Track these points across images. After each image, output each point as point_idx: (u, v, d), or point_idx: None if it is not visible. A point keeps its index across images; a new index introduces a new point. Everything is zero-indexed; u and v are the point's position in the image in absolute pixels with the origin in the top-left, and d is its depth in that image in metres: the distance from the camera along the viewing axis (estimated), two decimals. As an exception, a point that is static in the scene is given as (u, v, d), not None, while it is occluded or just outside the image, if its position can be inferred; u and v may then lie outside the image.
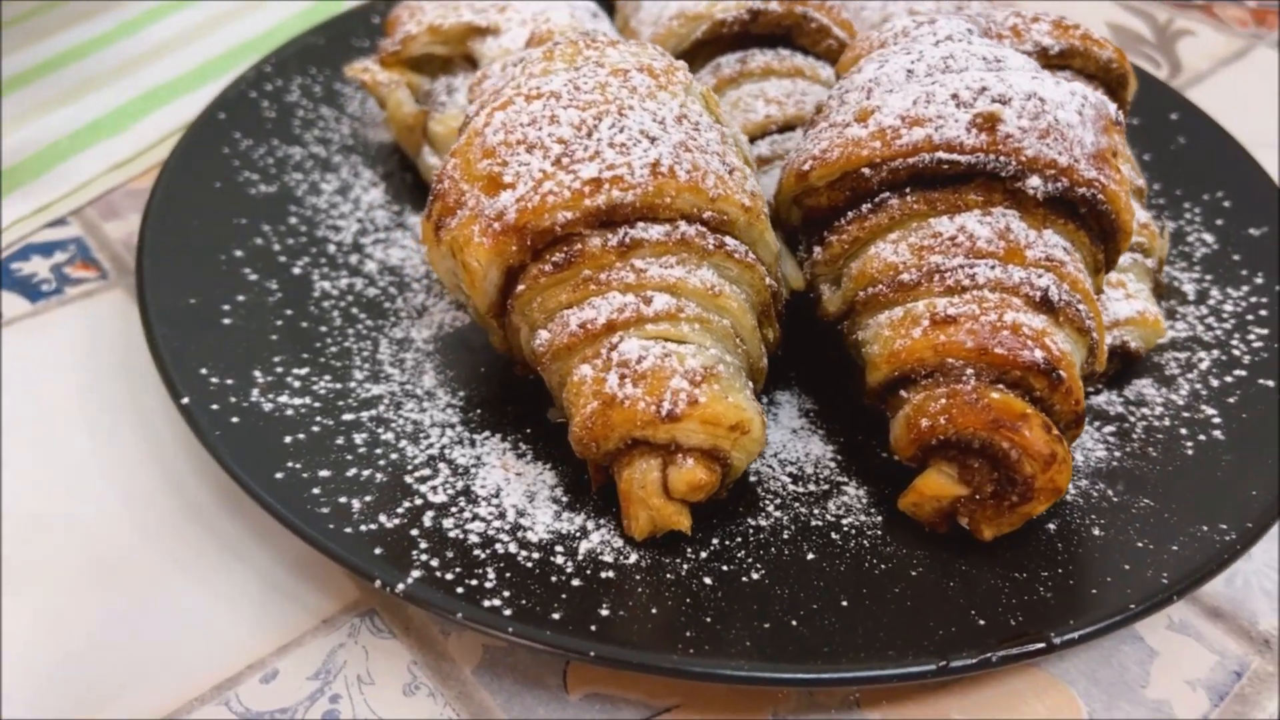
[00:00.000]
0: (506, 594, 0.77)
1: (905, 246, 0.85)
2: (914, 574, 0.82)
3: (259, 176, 1.16)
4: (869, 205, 0.86)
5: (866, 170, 0.85)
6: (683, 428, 0.78)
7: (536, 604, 0.77)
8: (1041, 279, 0.82)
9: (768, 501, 0.88)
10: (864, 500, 0.89)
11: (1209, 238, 1.14)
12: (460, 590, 0.77)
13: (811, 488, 0.90)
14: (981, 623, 0.77)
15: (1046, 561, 0.83)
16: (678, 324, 0.81)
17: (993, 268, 0.82)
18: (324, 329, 1.00)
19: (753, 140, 1.07)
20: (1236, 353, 1.01)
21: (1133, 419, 0.96)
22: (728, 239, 0.83)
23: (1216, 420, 0.94)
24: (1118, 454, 0.92)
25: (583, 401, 0.80)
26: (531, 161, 0.81)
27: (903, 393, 0.84)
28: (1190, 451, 0.92)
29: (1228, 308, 1.06)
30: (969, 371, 0.81)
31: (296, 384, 0.94)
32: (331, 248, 1.10)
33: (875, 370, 0.85)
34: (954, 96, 0.83)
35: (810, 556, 0.83)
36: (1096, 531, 0.85)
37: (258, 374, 0.93)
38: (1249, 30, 1.62)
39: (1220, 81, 1.52)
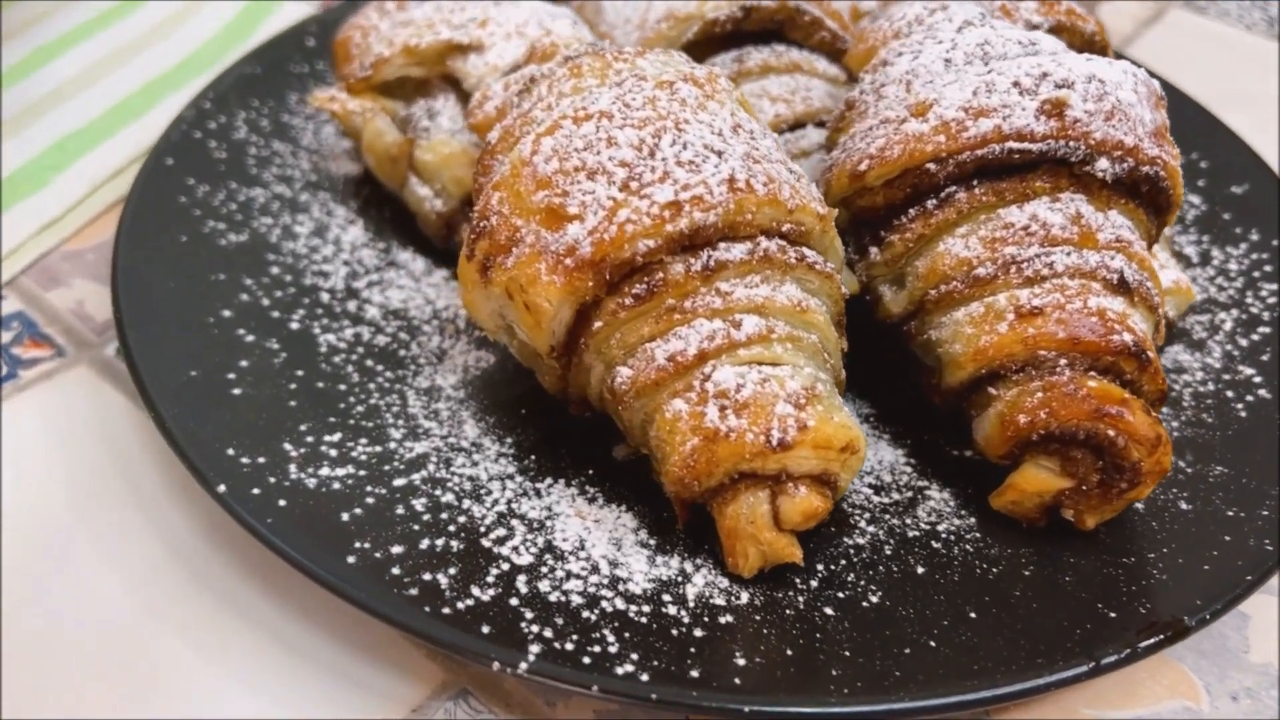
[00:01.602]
0: (634, 657, 0.72)
1: (976, 240, 0.83)
2: (1027, 574, 0.80)
3: (225, 225, 1.05)
4: (934, 201, 0.83)
5: (932, 165, 0.82)
6: (794, 455, 0.74)
7: (669, 663, 0.71)
8: (1115, 260, 0.82)
9: (857, 517, 0.85)
10: (951, 503, 0.87)
11: (1195, 199, 1.16)
12: (587, 660, 0.71)
13: (895, 496, 0.87)
14: (1113, 615, 0.76)
15: (1149, 543, 0.82)
16: (770, 345, 0.76)
17: (1069, 254, 0.81)
18: (343, 387, 0.92)
19: (764, 141, 1.03)
20: (1254, 310, 1.03)
21: (1178, 387, 0.97)
22: (806, 250, 0.79)
23: (1258, 380, 0.96)
24: (1175, 424, 0.93)
25: (680, 439, 0.75)
26: (596, 189, 0.76)
27: (990, 389, 0.82)
28: (1243, 414, 0.93)
29: (1232, 266, 1.08)
30: (1062, 362, 0.79)
31: (333, 453, 0.85)
32: (325, 296, 1.01)
33: (958, 369, 0.83)
34: (1016, 84, 0.81)
35: (920, 570, 0.81)
36: (1184, 505, 0.85)
37: (289, 447, 0.84)
38: (1159, -8, 1.68)
39: (1146, 43, 1.56)
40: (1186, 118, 1.26)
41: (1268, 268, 1.07)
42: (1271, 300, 1.04)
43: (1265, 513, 0.83)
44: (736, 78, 1.06)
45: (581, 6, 1.23)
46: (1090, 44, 1.06)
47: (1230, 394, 0.95)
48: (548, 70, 0.89)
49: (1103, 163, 0.80)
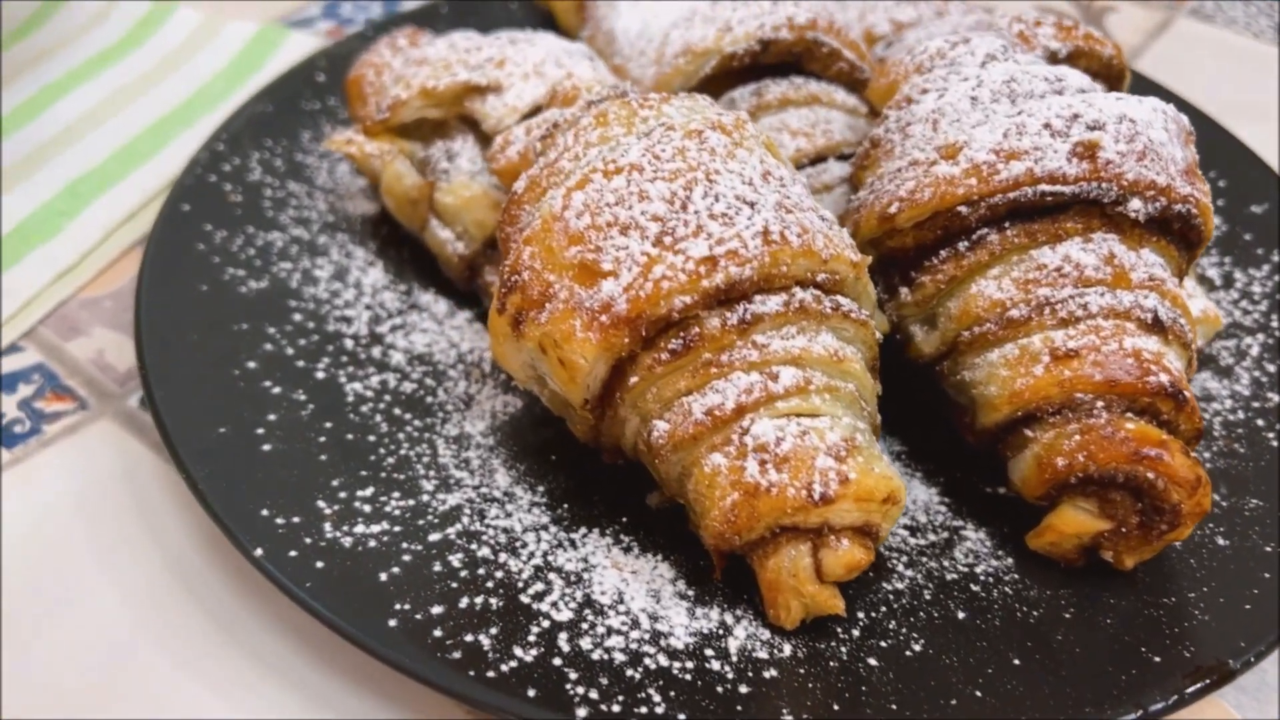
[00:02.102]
0: (682, 717, 0.71)
1: (1009, 281, 0.82)
2: (1068, 616, 0.80)
3: (245, 271, 1.04)
4: (965, 243, 0.83)
5: (963, 208, 0.82)
6: (836, 509, 0.74)
7: (717, 723, 0.71)
8: (1148, 300, 0.82)
9: (895, 560, 0.85)
10: (988, 543, 0.87)
11: (1216, 220, 1.16)
12: (635, 723, 0.70)
13: (931, 538, 0.87)
14: (1158, 660, 0.76)
15: (1188, 581, 0.82)
16: (808, 397, 0.76)
17: (1102, 294, 0.81)
18: (372, 438, 0.91)
19: (785, 176, 1.03)
20: (1280, 334, 1.03)
21: (1207, 416, 0.96)
22: (841, 298, 0.79)
23: (1287, 407, 0.96)
24: (1207, 455, 0.93)
25: (719, 493, 0.75)
26: (629, 244, 0.75)
27: (1026, 431, 0.82)
28: (1275, 443, 0.93)
29: (1256, 289, 1.08)
30: (1098, 404, 0.79)
31: (367, 508, 0.84)
32: (349, 342, 1.00)
33: (993, 411, 0.83)
34: (1047, 126, 0.81)
35: (961, 615, 0.80)
36: (1221, 541, 0.85)
37: (322, 505, 0.84)
38: (1165, 2, 1.67)
39: (1154, 54, 1.56)
40: (1201, 134, 1.25)
41: (1292, 290, 1.07)
42: (1297, 324, 1.03)
43: (1304, 548, 0.83)
44: (755, 111, 1.05)
45: (593, 37, 1.22)
46: (1109, 67, 1.06)
47: (1261, 422, 0.95)
48: (571, 116, 0.89)
49: (1135, 203, 0.80)
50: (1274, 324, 1.04)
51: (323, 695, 0.80)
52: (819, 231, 0.77)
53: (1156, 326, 0.81)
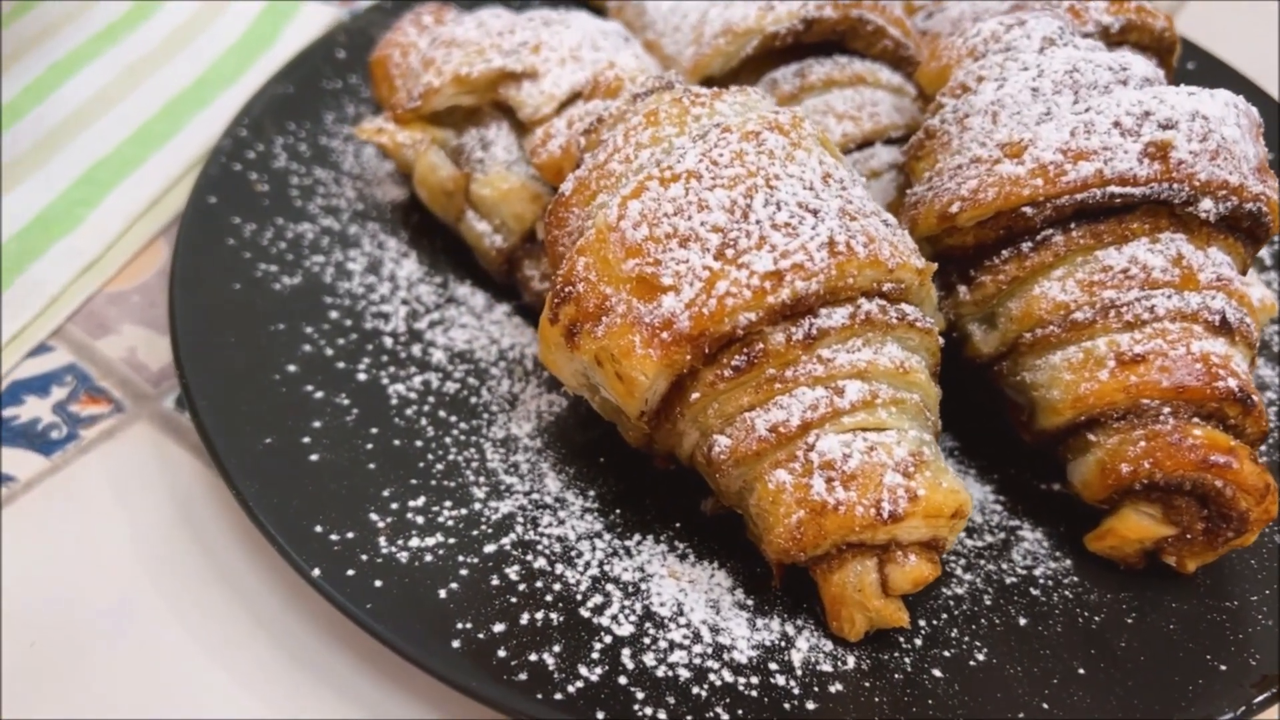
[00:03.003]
0: (752, 737, 0.71)
1: (1074, 283, 0.80)
2: (1129, 621, 0.80)
3: (277, 267, 1.02)
4: (1029, 243, 0.81)
5: (1028, 209, 0.79)
6: (905, 526, 0.73)
7: (787, 742, 0.71)
8: (1216, 301, 0.80)
9: (954, 564, 0.84)
10: (1045, 543, 0.86)
11: (1263, 194, 1.14)
12: (706, 745, 0.70)
13: (989, 539, 0.87)
14: (1223, 668, 0.76)
15: (1250, 584, 0.82)
16: (874, 411, 0.75)
17: (1169, 297, 0.79)
18: (419, 444, 0.90)
19: (831, 162, 1.00)
20: (1333, 318, 1.01)
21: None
22: (906, 307, 0.77)
23: (1343, 396, 0.95)
24: (1263, 447, 0.92)
25: (784, 510, 0.74)
26: (690, 257, 0.73)
27: (1089, 435, 0.81)
28: (1331, 434, 0.92)
29: (1306, 269, 1.06)
30: (1165, 410, 0.78)
31: (420, 519, 0.83)
32: (388, 340, 0.98)
33: (1055, 415, 0.82)
34: (1117, 124, 0.78)
35: (1023, 622, 0.80)
36: (1279, 539, 0.85)
37: (375, 517, 0.83)
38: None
39: (1187, 13, 1.52)
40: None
41: (1343, 271, 1.05)
42: (1350, 307, 1.02)
43: (1365, 547, 0.83)
44: (799, 93, 1.02)
45: (620, 8, 1.18)
46: (1160, 40, 1.03)
47: (1316, 412, 0.94)
48: (617, 111, 0.86)
49: (1206, 203, 0.78)
50: (1326, 307, 1.02)
51: (387, 709, 0.80)
52: (884, 239, 0.75)
53: (1224, 328, 0.79)
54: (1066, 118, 0.80)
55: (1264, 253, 1.08)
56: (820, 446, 0.74)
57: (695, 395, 0.75)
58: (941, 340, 0.81)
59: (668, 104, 0.82)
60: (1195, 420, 0.78)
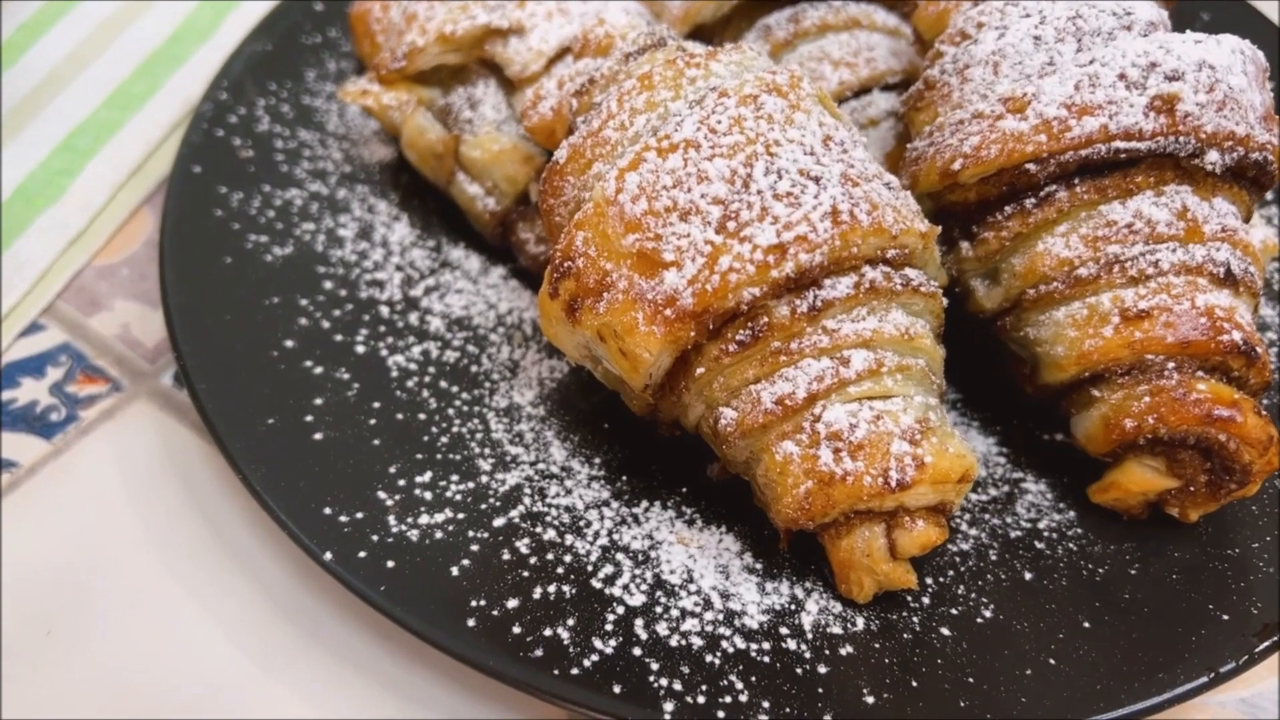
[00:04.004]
0: (767, 704, 0.73)
1: (1077, 239, 0.80)
2: (1133, 573, 0.81)
3: (268, 237, 1.00)
4: (1033, 200, 0.80)
5: (1031, 166, 0.78)
6: (913, 493, 0.73)
7: (802, 709, 0.72)
8: (1220, 252, 0.79)
9: (959, 520, 0.85)
10: (1049, 495, 0.87)
11: (1264, 125, 1.12)
12: (721, 715, 0.72)
13: (993, 492, 0.87)
14: (1226, 618, 0.77)
15: (1251, 530, 0.83)
16: (880, 379, 0.74)
17: (1174, 250, 0.78)
18: (423, 417, 0.89)
19: (827, 111, 0.98)
20: (1334, 253, 1.01)
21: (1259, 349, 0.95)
22: (910, 271, 0.76)
23: (1343, 335, 0.95)
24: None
25: (792, 481, 0.74)
26: (691, 231, 0.72)
27: (1093, 391, 0.81)
28: (1332, 375, 0.92)
29: (1308, 203, 1.05)
30: (1169, 365, 0.78)
31: (428, 495, 0.84)
32: (384, 310, 0.97)
33: (1059, 370, 0.82)
34: (1122, 76, 0.76)
35: (1028, 576, 0.81)
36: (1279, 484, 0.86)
37: (383, 495, 0.83)
38: None
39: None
40: (1255, 34, 1.19)
41: (1345, 204, 1.04)
42: (1351, 241, 1.01)
43: (1365, 490, 0.84)
44: (793, 39, 1.00)
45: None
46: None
47: (1316, 352, 0.94)
48: (609, 71, 0.84)
49: (1213, 155, 0.77)
50: (1328, 242, 1.02)
51: (402, 686, 0.81)
52: (888, 205, 0.74)
53: (1229, 280, 0.79)
54: (1070, 70, 0.78)
55: (1265, 186, 1.07)
56: (827, 417, 0.73)
57: (700, 370, 0.75)
58: (945, 301, 0.81)
59: (661, 66, 0.80)
60: (1199, 374, 0.78)
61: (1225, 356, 0.78)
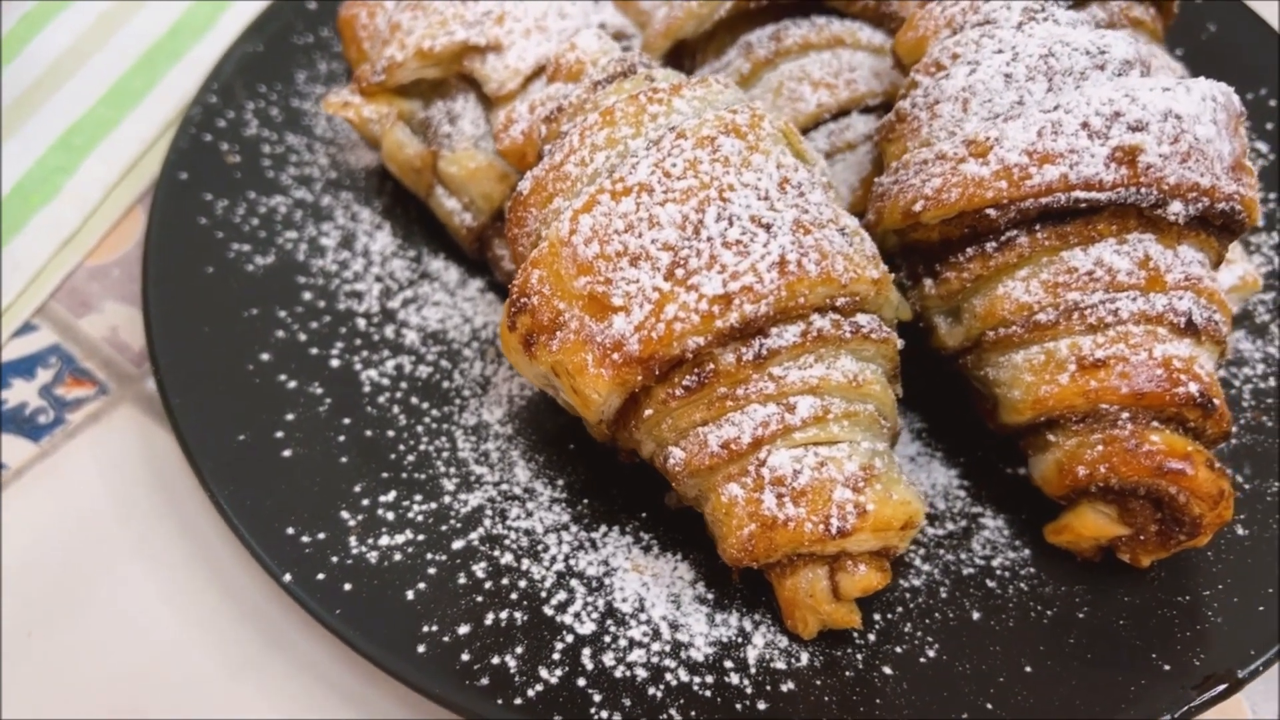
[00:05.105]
0: (703, 740, 0.74)
1: (1038, 284, 0.79)
2: (1081, 616, 0.81)
3: (250, 246, 1.02)
4: (994, 244, 0.79)
5: (991, 211, 0.78)
6: (854, 540, 0.74)
7: (736, 745, 0.74)
8: (1183, 301, 0.78)
9: (913, 554, 0.86)
10: (1006, 532, 0.87)
11: (1263, 146, 1.10)
12: (657, 749, 0.74)
13: (950, 526, 0.88)
14: (1167, 668, 0.78)
15: (1204, 577, 0.83)
16: (826, 426, 0.75)
17: (1135, 299, 0.78)
18: (391, 434, 0.91)
19: (805, 133, 0.97)
20: (1321, 287, 0.99)
21: (1237, 383, 0.94)
22: (860, 317, 0.76)
23: (1321, 374, 0.93)
24: (1235, 428, 0.91)
25: (737, 523, 0.75)
26: (640, 277, 0.72)
27: (1049, 435, 0.81)
28: (1305, 416, 0.91)
29: (1300, 231, 1.03)
30: (1124, 415, 0.77)
31: (390, 516, 0.86)
32: (361, 322, 0.99)
33: (1015, 413, 0.81)
34: (1085, 125, 0.75)
35: (976, 616, 0.82)
36: (1241, 530, 0.85)
37: (346, 515, 0.85)
38: None
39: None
40: (1259, 44, 1.16)
41: (1337, 233, 1.02)
42: (1340, 274, 0.99)
43: (1323, 540, 0.83)
44: (774, 57, 0.99)
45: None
46: (1159, -12, 0.98)
47: (1291, 391, 0.93)
48: (577, 99, 0.84)
49: (1176, 206, 0.76)
50: (1316, 274, 1.00)
51: (358, 698, 0.84)
52: (838, 253, 0.74)
53: (1190, 329, 0.78)
54: (1034, 115, 0.77)
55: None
56: (771, 462, 0.74)
57: (648, 411, 0.76)
58: (901, 343, 0.81)
59: (624, 101, 0.80)
60: (1155, 424, 0.78)
61: (1180, 408, 0.77)
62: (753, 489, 0.75)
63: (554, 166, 0.80)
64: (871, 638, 0.81)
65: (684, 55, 1.05)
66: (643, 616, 0.82)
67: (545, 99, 0.89)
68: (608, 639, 0.80)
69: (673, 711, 0.76)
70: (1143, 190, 0.75)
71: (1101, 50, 0.81)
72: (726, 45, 1.02)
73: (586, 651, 0.79)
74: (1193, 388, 0.77)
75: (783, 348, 0.73)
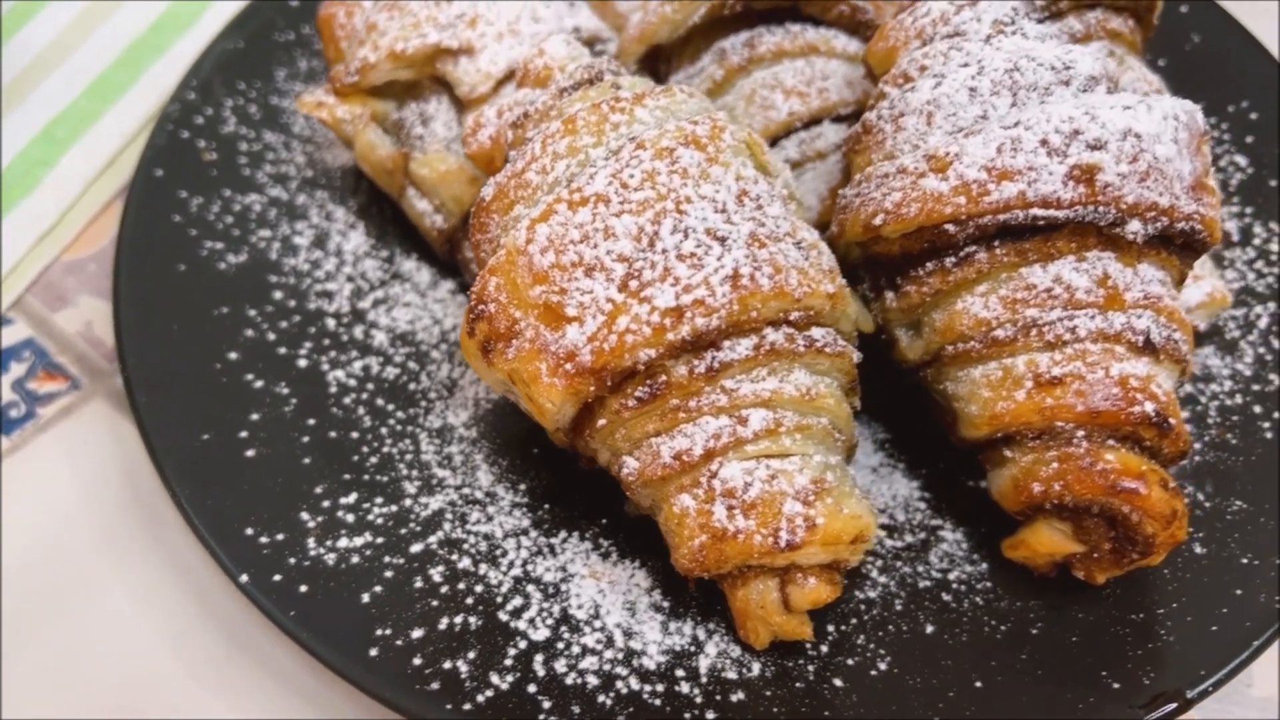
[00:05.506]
0: (649, 749, 0.75)
1: (996, 300, 0.79)
2: (1034, 632, 0.82)
3: (223, 244, 1.02)
4: (953, 259, 0.79)
5: (950, 227, 0.77)
6: (803, 553, 0.74)
7: (682, 755, 0.75)
8: (1141, 320, 0.78)
9: (870, 566, 0.86)
10: (964, 545, 0.87)
11: (1242, 160, 1.09)
12: (603, 757, 0.74)
13: (909, 539, 0.88)
14: (1116, 686, 0.78)
15: (1159, 595, 0.83)
16: (778, 439, 0.75)
17: (1093, 317, 0.77)
18: (355, 435, 0.92)
19: (776, 142, 0.97)
20: (1293, 303, 0.99)
21: (1204, 399, 0.94)
22: (815, 331, 0.76)
23: (1288, 392, 0.93)
24: (1198, 445, 0.91)
25: (688, 534, 0.76)
26: (595, 288, 0.73)
27: (1006, 451, 0.81)
28: (1269, 434, 0.91)
29: (1274, 247, 1.03)
30: (1079, 433, 0.77)
31: (350, 518, 0.86)
32: (330, 322, 0.99)
33: (973, 428, 0.82)
34: (1044, 143, 0.75)
35: (930, 630, 0.82)
36: (1199, 549, 0.85)
37: (306, 517, 0.86)
38: None
39: None
40: (1243, 56, 1.16)
41: (1312, 250, 1.01)
42: (1312, 291, 0.99)
43: (1278, 561, 0.83)
44: (748, 64, 0.99)
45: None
46: (1136, 1, 0.97)
47: (1258, 409, 0.93)
48: (543, 106, 0.84)
49: (1134, 225, 0.75)
50: (1288, 291, 0.99)
51: (312, 695, 0.85)
52: (793, 267, 0.74)
53: (1148, 348, 0.78)
54: (995, 131, 0.76)
55: (1232, 226, 1.05)
56: (723, 474, 0.74)
57: (602, 421, 0.76)
58: (858, 355, 0.81)
59: (586, 110, 0.80)
60: (1110, 443, 0.78)
61: (1136, 427, 0.77)
62: (704, 500, 0.75)
63: (516, 174, 0.80)
64: (824, 649, 0.81)
65: (659, 60, 1.04)
66: (597, 623, 0.82)
67: (513, 104, 0.89)
68: (561, 645, 0.80)
69: (621, 719, 0.76)
70: (1100, 209, 0.75)
71: (1067, 66, 0.80)
72: (701, 51, 1.02)
73: (539, 658, 0.80)
74: (1149, 407, 0.77)
75: (735, 361, 0.73)
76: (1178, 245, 0.79)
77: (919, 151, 0.80)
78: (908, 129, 0.82)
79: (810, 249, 0.77)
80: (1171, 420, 0.77)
